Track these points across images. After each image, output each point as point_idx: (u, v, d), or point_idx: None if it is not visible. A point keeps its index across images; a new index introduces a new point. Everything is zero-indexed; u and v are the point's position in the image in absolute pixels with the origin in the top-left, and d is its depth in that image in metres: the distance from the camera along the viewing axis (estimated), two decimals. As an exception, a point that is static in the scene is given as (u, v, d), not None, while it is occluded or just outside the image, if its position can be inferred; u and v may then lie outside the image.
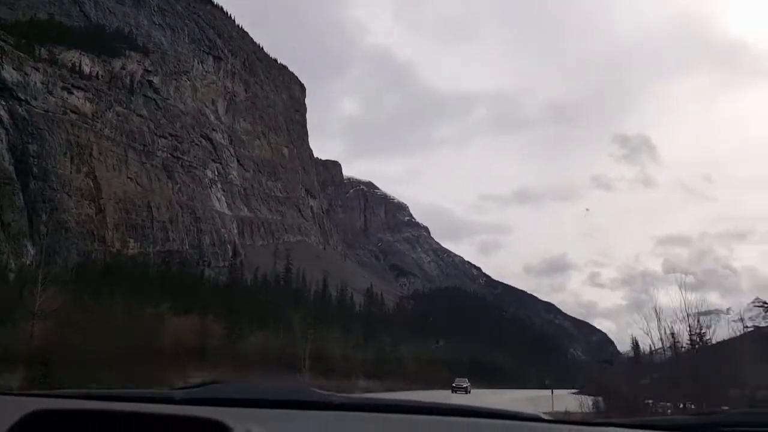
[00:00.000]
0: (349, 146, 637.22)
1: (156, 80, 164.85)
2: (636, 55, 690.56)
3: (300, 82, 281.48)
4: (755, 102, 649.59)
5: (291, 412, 1.92)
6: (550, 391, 43.21)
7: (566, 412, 30.73)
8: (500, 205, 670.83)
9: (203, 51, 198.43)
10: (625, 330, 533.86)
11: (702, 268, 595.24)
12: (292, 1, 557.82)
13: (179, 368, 32.91)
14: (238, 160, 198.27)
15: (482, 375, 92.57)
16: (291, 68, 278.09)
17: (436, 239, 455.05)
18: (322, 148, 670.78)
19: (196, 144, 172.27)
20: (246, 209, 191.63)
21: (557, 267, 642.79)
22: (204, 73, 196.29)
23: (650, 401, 30.73)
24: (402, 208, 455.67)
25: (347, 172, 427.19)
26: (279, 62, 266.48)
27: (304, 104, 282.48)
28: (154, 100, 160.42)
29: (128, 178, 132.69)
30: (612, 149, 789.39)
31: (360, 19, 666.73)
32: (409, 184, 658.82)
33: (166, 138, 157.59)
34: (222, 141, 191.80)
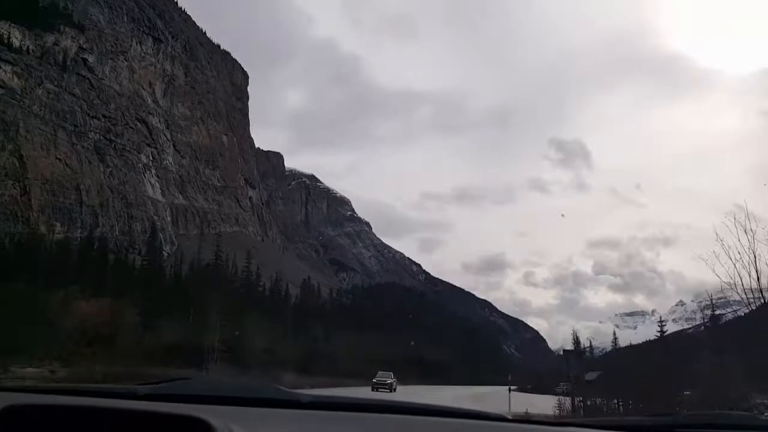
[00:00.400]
0: (292, 138, 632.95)
1: (91, 59, 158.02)
2: (576, 64, 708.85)
3: (243, 69, 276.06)
4: (683, 116, 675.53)
5: (259, 410, 1.93)
6: (506, 388, 42.30)
7: (527, 413, 29.61)
8: (441, 203, 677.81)
9: (143, 32, 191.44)
10: (556, 328, 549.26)
11: (630, 271, 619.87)
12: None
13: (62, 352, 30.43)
14: (174, 146, 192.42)
15: (419, 371, 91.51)
16: (234, 55, 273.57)
17: (377, 235, 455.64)
18: (264, 138, 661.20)
19: (131, 127, 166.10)
20: (181, 197, 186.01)
21: (494, 266, 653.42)
22: (143, 54, 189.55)
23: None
24: (344, 202, 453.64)
25: (289, 164, 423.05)
26: (222, 48, 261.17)
27: (246, 92, 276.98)
28: (89, 79, 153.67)
29: (57, 158, 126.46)
30: (549, 153, 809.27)
31: (306, 10, 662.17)
32: (352, 179, 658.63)
33: (99, 119, 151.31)
34: (158, 125, 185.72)
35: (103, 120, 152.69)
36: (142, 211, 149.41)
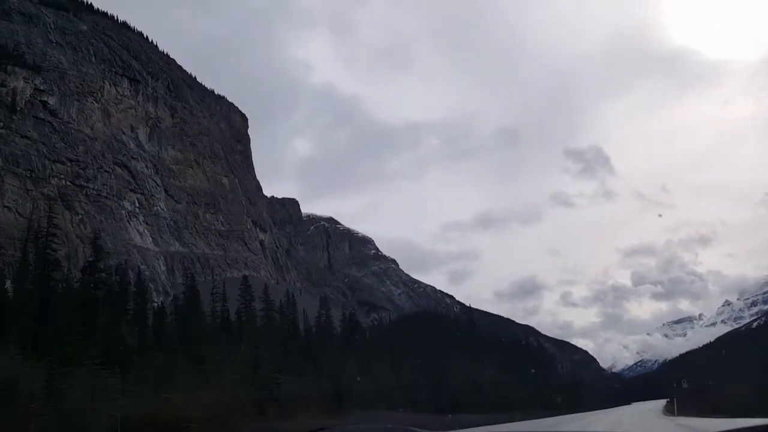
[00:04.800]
0: (306, 184, 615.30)
1: (52, 101, 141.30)
2: (580, 70, 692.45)
3: (241, 112, 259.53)
4: (699, 109, 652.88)
5: None
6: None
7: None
8: (464, 232, 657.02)
9: (115, 72, 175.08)
10: (603, 347, 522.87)
11: (669, 277, 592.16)
12: (233, 47, 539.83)
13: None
14: (166, 191, 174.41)
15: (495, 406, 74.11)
16: (232, 102, 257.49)
17: (405, 271, 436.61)
18: (277, 188, 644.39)
19: (106, 171, 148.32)
20: (177, 244, 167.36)
21: (529, 289, 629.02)
22: (119, 96, 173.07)
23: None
24: (367, 241, 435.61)
25: (306, 209, 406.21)
26: (216, 93, 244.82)
27: (247, 134, 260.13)
28: (50, 122, 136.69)
29: (5, 206, 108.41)
30: (567, 165, 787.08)
31: (301, 58, 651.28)
32: (371, 218, 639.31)
33: (63, 164, 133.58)
34: (144, 170, 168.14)
35: (69, 164, 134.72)
36: (125, 260, 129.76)
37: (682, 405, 60.41)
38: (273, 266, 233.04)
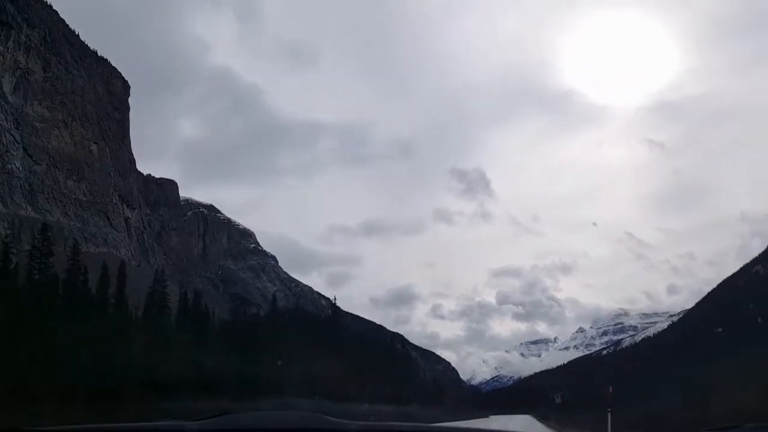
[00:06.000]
0: (188, 168, 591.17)
1: None
2: (474, 96, 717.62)
3: (123, 78, 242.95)
4: (576, 148, 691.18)
5: None
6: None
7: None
8: (348, 237, 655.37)
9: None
10: (465, 360, 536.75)
11: (531, 299, 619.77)
12: (126, 11, 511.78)
13: None
14: (24, 149, 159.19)
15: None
16: (119, 71, 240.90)
17: (284, 269, 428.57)
18: (156, 167, 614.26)
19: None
20: (30, 208, 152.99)
21: (403, 298, 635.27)
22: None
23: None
24: (247, 234, 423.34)
25: (185, 194, 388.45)
26: (99, 54, 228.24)
27: (127, 103, 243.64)
28: None
29: None
30: (452, 184, 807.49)
31: (199, 38, 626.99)
32: (255, 212, 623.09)
33: None
34: (3, 123, 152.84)
35: None
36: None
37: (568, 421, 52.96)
38: (138, 247, 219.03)
